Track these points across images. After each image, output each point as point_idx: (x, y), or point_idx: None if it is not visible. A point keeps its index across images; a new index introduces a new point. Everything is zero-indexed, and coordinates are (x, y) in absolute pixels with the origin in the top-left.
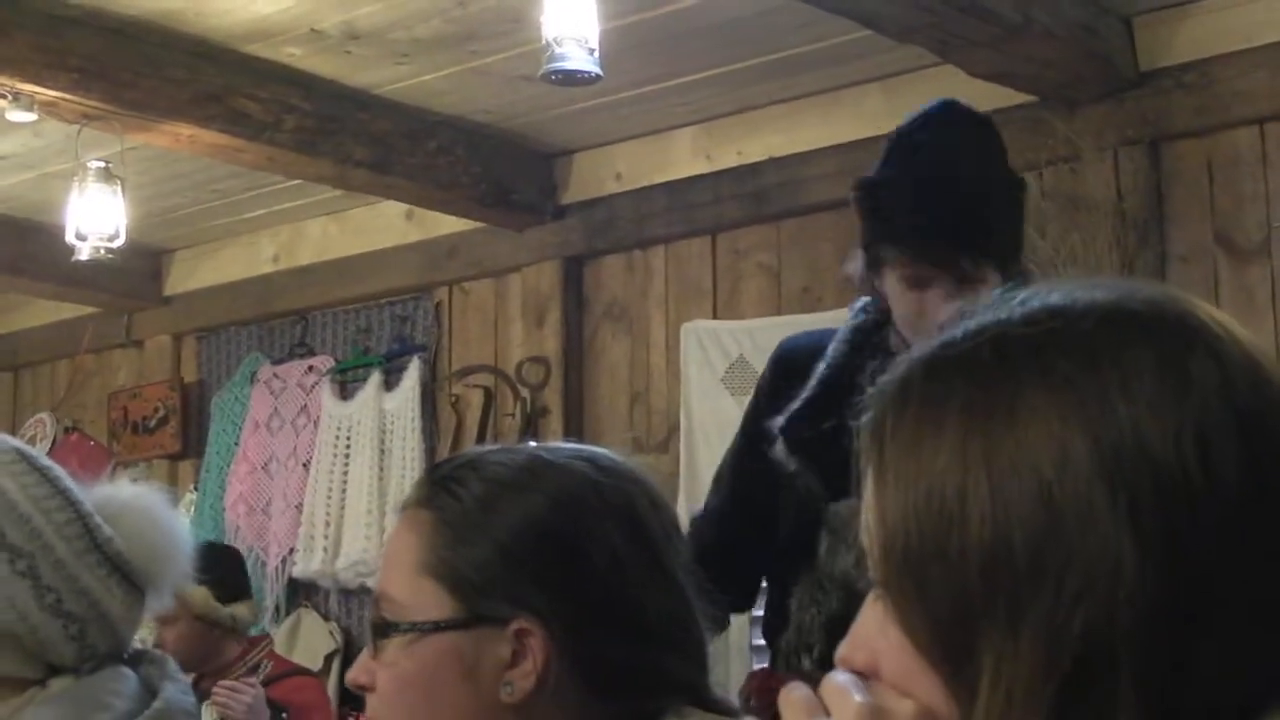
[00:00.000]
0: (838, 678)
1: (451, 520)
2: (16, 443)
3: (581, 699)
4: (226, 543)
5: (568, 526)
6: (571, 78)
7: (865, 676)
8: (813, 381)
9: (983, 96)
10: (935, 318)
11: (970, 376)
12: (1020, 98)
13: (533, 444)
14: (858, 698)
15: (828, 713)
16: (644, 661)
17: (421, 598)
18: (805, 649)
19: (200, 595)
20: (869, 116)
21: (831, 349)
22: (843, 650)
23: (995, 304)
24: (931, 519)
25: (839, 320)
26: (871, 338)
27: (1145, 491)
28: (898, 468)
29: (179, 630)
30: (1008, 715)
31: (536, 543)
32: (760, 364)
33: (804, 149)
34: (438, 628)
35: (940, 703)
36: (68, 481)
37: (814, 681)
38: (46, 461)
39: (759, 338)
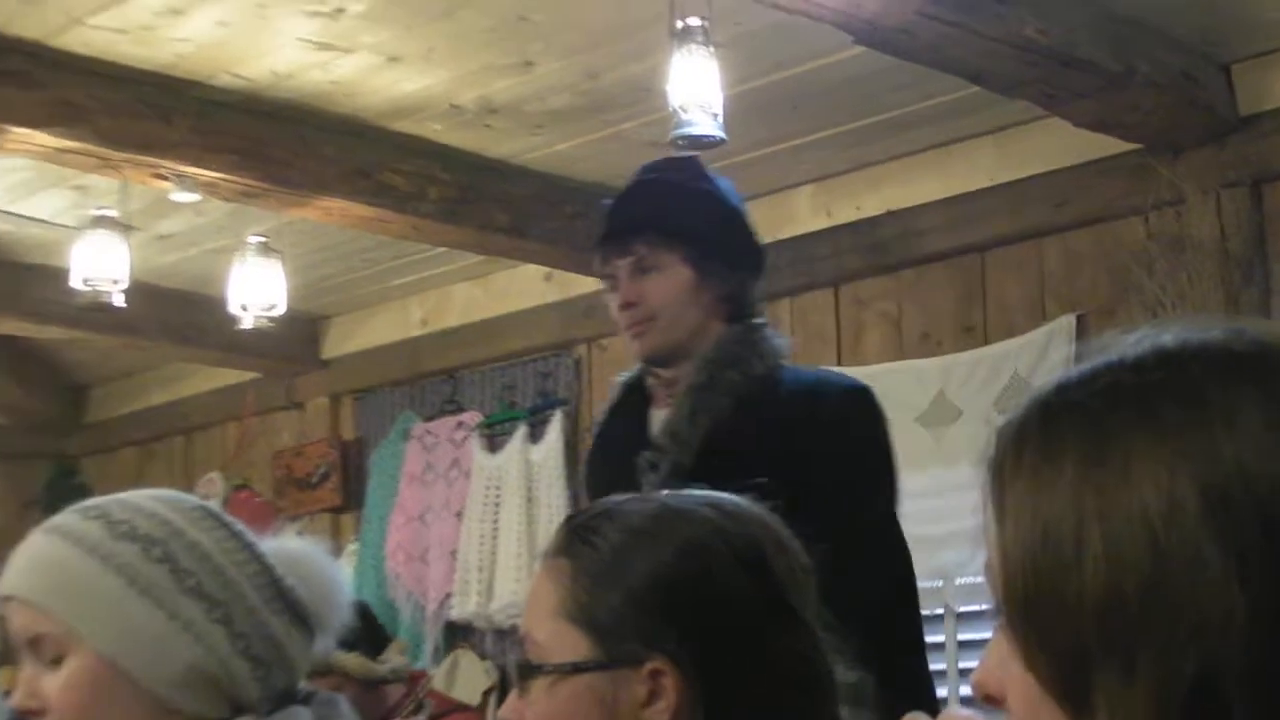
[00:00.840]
0: (961, 712)
1: (588, 568)
2: (204, 502)
3: None
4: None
5: (696, 572)
6: (697, 142)
7: (998, 702)
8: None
9: (1089, 146)
10: (617, 306)
11: (1084, 426)
12: (1125, 146)
13: (664, 492)
14: None
15: None
16: (772, 697)
17: (562, 641)
18: None
19: (355, 662)
20: (981, 169)
21: (606, 405)
22: (977, 675)
23: (1109, 345)
24: (1048, 562)
25: (955, 363)
26: (635, 388)
27: (1252, 537)
28: (1017, 510)
29: (348, 699)
30: None
31: (667, 588)
32: (885, 406)
33: (919, 202)
34: (577, 669)
35: None
36: (251, 536)
37: None
38: (231, 518)
39: (883, 382)
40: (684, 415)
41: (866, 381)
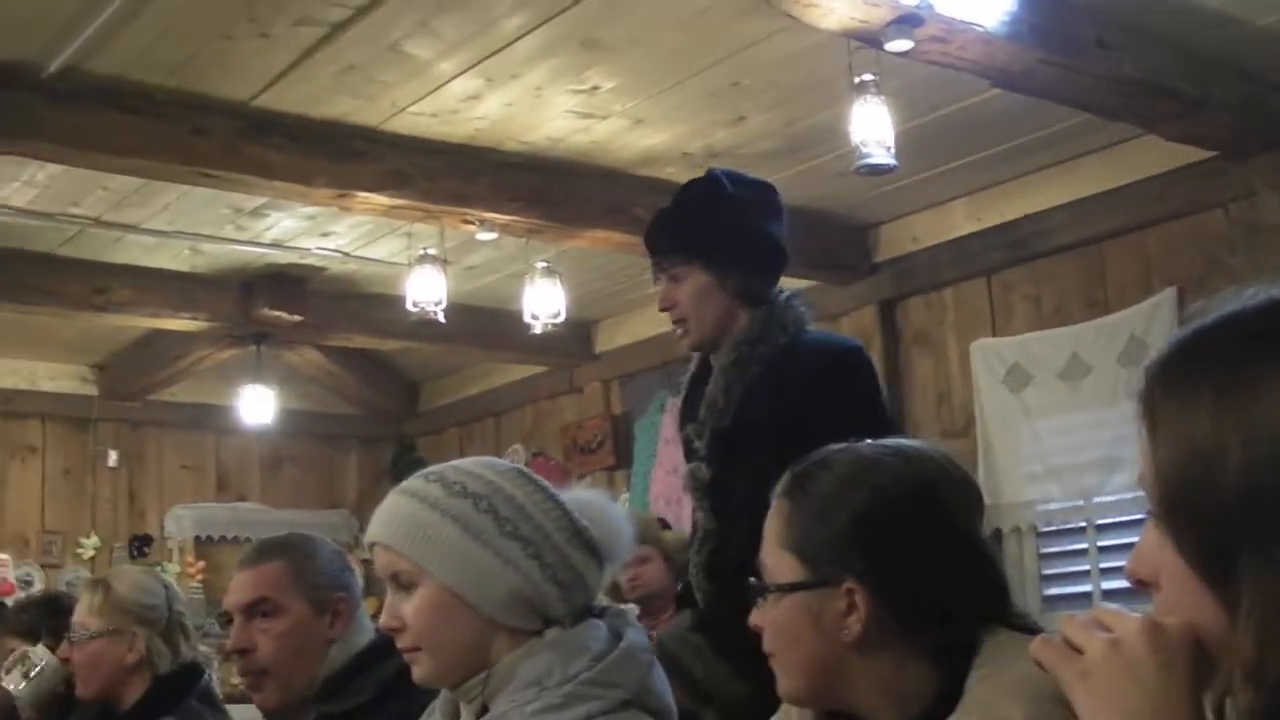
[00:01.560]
0: (1110, 605)
1: (802, 509)
2: (517, 465)
3: (902, 635)
4: None
5: (880, 512)
6: (876, 170)
7: (1146, 585)
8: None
9: (1177, 156)
10: (661, 306)
11: (1220, 361)
12: (1205, 154)
13: (866, 442)
14: (1135, 614)
15: (1108, 629)
16: (949, 602)
17: (783, 566)
18: (698, 586)
19: (671, 537)
20: (1093, 179)
21: (688, 371)
22: (1131, 564)
23: (1231, 298)
24: (1198, 468)
25: (1084, 330)
26: (707, 358)
27: None
28: (1168, 429)
29: (651, 568)
30: (1265, 622)
31: (860, 525)
32: (1030, 368)
33: (1048, 207)
34: (794, 588)
35: (1205, 616)
36: (553, 490)
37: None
38: (537, 476)
39: (1029, 347)
40: (720, 389)
41: (1015, 348)
